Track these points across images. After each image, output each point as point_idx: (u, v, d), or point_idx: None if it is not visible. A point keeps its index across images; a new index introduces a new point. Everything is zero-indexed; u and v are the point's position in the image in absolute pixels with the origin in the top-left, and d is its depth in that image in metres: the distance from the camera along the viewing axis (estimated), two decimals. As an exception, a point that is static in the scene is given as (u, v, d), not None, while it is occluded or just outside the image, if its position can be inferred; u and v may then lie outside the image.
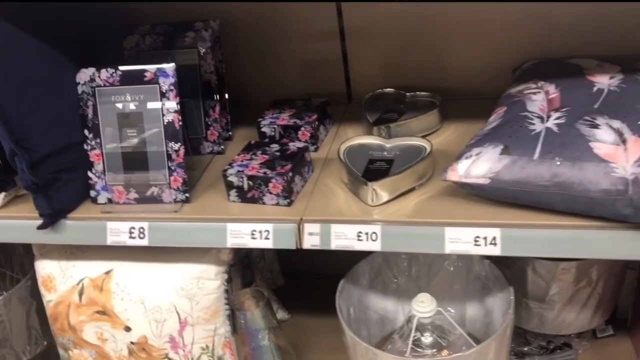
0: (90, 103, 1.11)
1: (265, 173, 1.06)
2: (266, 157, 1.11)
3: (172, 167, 1.11)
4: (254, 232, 1.05)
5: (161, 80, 1.08)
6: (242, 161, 1.11)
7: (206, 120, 1.25)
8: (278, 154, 1.12)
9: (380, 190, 1.01)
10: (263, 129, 1.24)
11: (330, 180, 1.12)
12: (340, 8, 1.31)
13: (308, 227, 1.02)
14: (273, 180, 1.05)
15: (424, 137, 1.15)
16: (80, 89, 1.12)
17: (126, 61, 1.26)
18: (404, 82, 1.34)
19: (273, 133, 1.23)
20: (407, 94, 1.28)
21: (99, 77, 1.11)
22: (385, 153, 1.10)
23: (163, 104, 1.09)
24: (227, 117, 1.29)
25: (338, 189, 1.10)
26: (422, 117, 1.19)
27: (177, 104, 1.08)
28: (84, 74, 1.11)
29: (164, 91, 1.08)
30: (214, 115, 1.25)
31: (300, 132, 1.21)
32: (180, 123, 1.09)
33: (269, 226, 1.04)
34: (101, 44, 1.20)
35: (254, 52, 1.40)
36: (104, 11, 1.23)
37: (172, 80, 1.08)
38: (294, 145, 1.14)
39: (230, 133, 1.32)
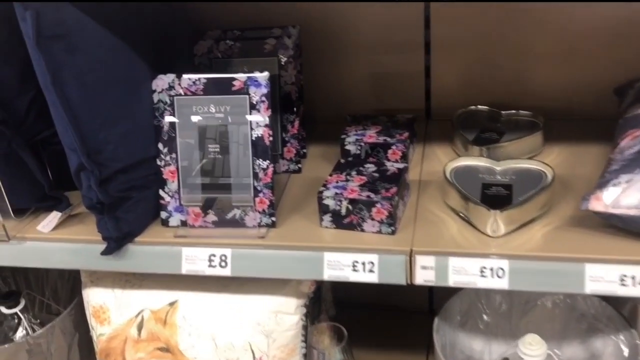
0: (167, 114, 0.99)
1: (368, 197, 0.94)
2: (364, 178, 1.00)
3: (259, 187, 0.99)
4: (355, 263, 0.93)
5: (252, 90, 0.97)
6: (337, 182, 0.99)
7: (283, 135, 1.14)
8: (377, 175, 1.00)
9: (502, 220, 0.90)
10: (347, 147, 1.12)
11: (433, 206, 1.01)
12: (429, 16, 1.21)
13: (420, 260, 0.91)
14: (378, 205, 0.93)
15: (528, 159, 1.05)
16: (156, 97, 0.99)
17: (197, 68, 1.14)
18: (487, 99, 1.24)
19: (359, 151, 1.12)
20: (503, 112, 1.18)
21: (179, 84, 0.98)
22: (498, 177, 0.99)
23: (252, 117, 0.97)
24: (303, 133, 1.18)
25: (445, 215, 0.98)
26: (526, 139, 1.09)
27: (269, 117, 0.97)
28: (162, 81, 0.99)
29: (255, 103, 0.97)
30: (293, 130, 1.14)
31: (390, 151, 1.10)
32: (271, 139, 0.98)
33: (374, 257, 0.92)
34: (169, 49, 1.08)
35: (323, 62, 1.29)
36: (173, 13, 1.12)
37: (264, 90, 0.96)
38: (392, 166, 1.02)
39: (305, 150, 1.20)
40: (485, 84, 1.25)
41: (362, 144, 1.11)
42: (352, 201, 0.94)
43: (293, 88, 1.12)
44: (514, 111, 1.17)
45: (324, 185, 0.98)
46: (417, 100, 1.30)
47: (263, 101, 0.96)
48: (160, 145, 1.00)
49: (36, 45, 0.80)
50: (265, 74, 0.96)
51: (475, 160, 1.03)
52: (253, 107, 0.97)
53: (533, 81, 1.23)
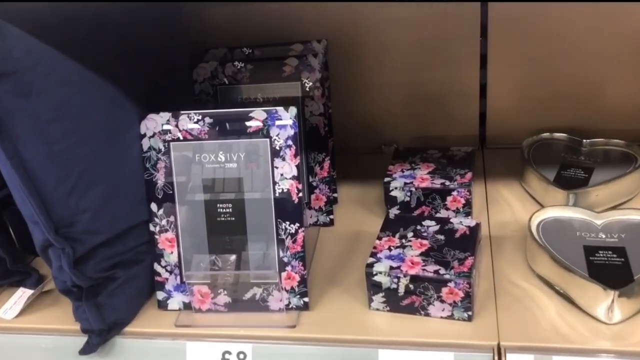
0: (161, 165, 0.75)
1: (437, 272, 0.71)
2: (425, 242, 0.76)
3: (286, 259, 0.75)
4: None
5: (274, 131, 0.73)
6: (389, 249, 0.76)
7: (310, 180, 0.90)
8: (441, 237, 0.77)
9: (621, 302, 0.67)
10: (393, 193, 0.89)
11: (515, 274, 0.77)
12: (487, 22, 0.98)
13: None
14: (450, 284, 0.70)
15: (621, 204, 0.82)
16: (146, 143, 0.75)
17: (198, 99, 0.91)
18: (557, 122, 1.01)
19: (408, 198, 0.88)
20: (584, 140, 0.94)
21: (176, 126, 0.75)
22: (602, 235, 0.75)
23: (276, 167, 0.74)
24: (334, 174, 0.95)
25: (534, 288, 0.74)
26: (624, 179, 0.84)
27: (297, 167, 0.74)
28: (153, 122, 0.75)
29: (278, 148, 0.73)
30: (322, 173, 0.90)
31: (450, 198, 0.86)
32: (300, 194, 0.74)
33: (449, 357, 0.69)
34: (163, 78, 0.84)
35: (352, 82, 1.06)
36: (166, 28, 0.88)
37: (290, 132, 0.72)
38: (459, 223, 0.79)
39: (335, 195, 0.97)
40: (554, 104, 1.02)
41: (413, 189, 0.87)
42: (414, 278, 0.71)
43: (321, 120, 0.89)
44: (599, 140, 0.93)
45: (374, 255, 0.75)
46: (470, 125, 1.05)
47: (289, 146, 0.73)
48: (153, 207, 0.76)
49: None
50: (292, 109, 0.72)
51: (567, 211, 0.79)
52: (276, 153, 0.73)
53: (613, 99, 1.00)
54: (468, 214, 0.86)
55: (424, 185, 0.86)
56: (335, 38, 0.98)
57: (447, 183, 0.86)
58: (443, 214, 0.86)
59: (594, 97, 1.00)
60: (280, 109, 0.72)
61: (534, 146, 0.94)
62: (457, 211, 0.86)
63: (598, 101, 1.00)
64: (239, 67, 0.89)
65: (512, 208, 0.89)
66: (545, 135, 0.95)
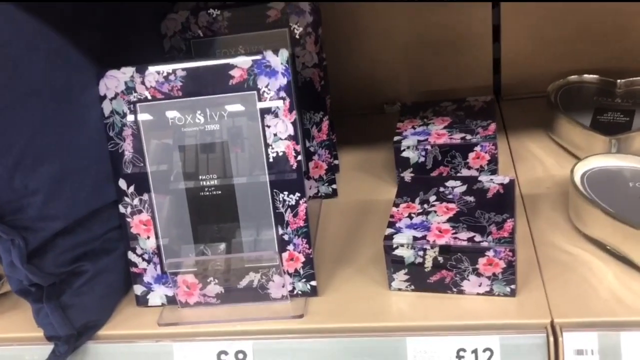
0: (127, 132, 0.62)
1: (472, 240, 0.59)
2: (452, 206, 0.64)
3: (287, 237, 0.63)
4: (461, 354, 0.58)
5: (262, 81, 0.60)
6: (410, 217, 0.64)
7: (307, 145, 0.78)
8: (471, 199, 0.65)
9: (698, 260, 0.56)
10: (405, 153, 0.76)
11: (559, 237, 0.65)
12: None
13: (571, 340, 0.56)
14: (489, 253, 0.58)
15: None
16: (107, 107, 0.62)
17: (169, 58, 0.77)
18: (580, 65, 0.89)
19: (423, 159, 0.76)
20: (618, 81, 0.82)
21: (142, 82, 0.62)
22: (661, 186, 0.64)
23: (267, 126, 0.61)
24: (333, 138, 0.82)
25: (584, 252, 0.62)
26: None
27: (294, 124, 0.61)
28: (114, 80, 0.61)
29: (269, 102, 0.61)
30: (321, 136, 0.77)
31: (472, 155, 0.74)
32: (299, 157, 0.62)
33: (492, 341, 0.57)
34: (124, 31, 0.70)
35: (346, 31, 0.92)
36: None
37: (283, 81, 0.59)
38: (489, 181, 0.67)
39: (337, 162, 0.84)
40: (577, 45, 0.89)
41: (429, 147, 0.75)
42: (444, 249, 0.59)
43: (316, 73, 0.75)
44: (636, 79, 0.81)
45: (392, 226, 0.62)
46: (482, 74, 0.92)
47: (282, 98, 0.60)
48: (121, 183, 0.63)
49: None
50: (283, 53, 0.59)
51: (613, 159, 0.67)
52: (267, 110, 0.61)
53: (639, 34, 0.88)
54: (494, 172, 0.74)
55: (441, 141, 0.74)
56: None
57: (469, 137, 0.73)
58: (465, 173, 0.74)
59: (620, 34, 0.88)
60: (268, 52, 0.59)
61: (561, 91, 0.81)
62: (481, 169, 0.73)
63: (626, 38, 0.88)
64: (214, 15, 0.75)
65: (542, 163, 0.77)
66: (573, 77, 0.82)
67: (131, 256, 0.64)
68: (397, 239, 0.59)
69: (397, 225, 0.61)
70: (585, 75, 0.83)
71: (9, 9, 0.51)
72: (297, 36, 0.74)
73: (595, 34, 0.88)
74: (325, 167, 0.78)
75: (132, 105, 0.61)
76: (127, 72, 0.61)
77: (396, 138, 0.76)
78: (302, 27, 0.73)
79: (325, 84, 0.78)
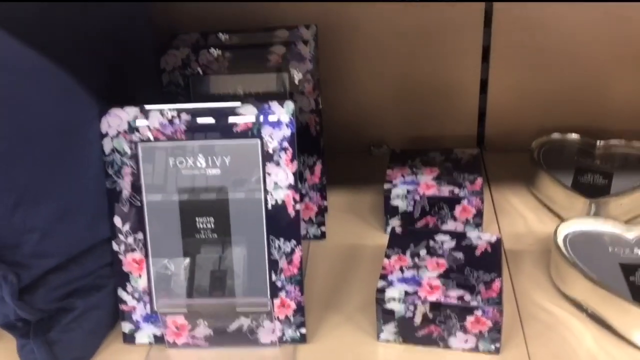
0: (127, 170, 0.62)
1: (462, 299, 0.61)
2: (442, 261, 0.66)
3: (279, 283, 0.63)
4: None
5: (266, 131, 0.61)
6: (401, 270, 0.65)
7: (299, 186, 0.79)
8: (460, 255, 0.66)
9: (672, 329, 0.59)
10: (394, 202, 0.78)
11: (540, 295, 0.67)
12: (492, 10, 0.88)
13: None
14: (477, 312, 0.60)
15: None
16: (108, 144, 0.62)
17: (167, 90, 0.77)
18: (553, 123, 0.93)
19: (411, 208, 0.78)
20: (598, 142, 0.86)
21: (146, 123, 0.62)
22: (638, 252, 0.66)
23: (268, 174, 0.62)
24: (324, 181, 0.83)
25: (565, 313, 0.64)
26: (649, 184, 0.78)
27: (295, 174, 0.62)
28: (117, 119, 0.62)
29: (272, 151, 0.61)
30: (313, 179, 0.78)
31: (459, 207, 0.77)
32: (298, 206, 0.63)
33: (477, 397, 0.59)
34: (126, 66, 0.70)
35: (338, 73, 0.94)
36: (129, 8, 0.75)
37: (287, 132, 0.60)
38: (477, 238, 0.69)
39: (325, 202, 0.86)
40: (560, 102, 0.93)
41: (417, 197, 0.77)
42: (434, 306, 0.61)
43: (312, 118, 0.77)
44: (613, 141, 0.85)
45: (384, 278, 0.64)
46: (468, 124, 0.96)
47: (285, 149, 0.61)
48: (117, 221, 0.63)
49: None
50: (289, 105, 0.60)
51: (593, 223, 0.70)
52: (269, 157, 0.61)
53: (622, 96, 0.92)
54: (478, 226, 0.76)
55: (430, 193, 0.76)
56: (320, 23, 0.87)
57: (456, 191, 0.76)
58: (450, 225, 0.76)
59: (601, 95, 0.92)
60: (273, 103, 0.60)
61: (544, 148, 0.85)
62: (466, 222, 0.76)
63: (606, 99, 0.91)
64: (215, 55, 0.76)
65: (524, 218, 0.80)
66: (556, 135, 0.86)
67: (121, 293, 0.64)
68: (390, 293, 0.61)
69: (389, 277, 0.63)
70: (568, 134, 0.86)
71: (18, 46, 0.51)
72: (296, 82, 0.75)
73: (578, 93, 0.91)
74: (315, 209, 0.79)
75: (133, 145, 0.61)
76: (131, 111, 0.61)
77: (386, 186, 0.78)
78: (302, 73, 0.75)
79: (320, 129, 0.79)
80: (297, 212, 0.61)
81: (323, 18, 0.87)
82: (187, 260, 0.62)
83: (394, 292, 0.61)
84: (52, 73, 0.54)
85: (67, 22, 0.57)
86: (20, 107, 0.52)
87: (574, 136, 0.86)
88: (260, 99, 0.74)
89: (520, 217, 0.80)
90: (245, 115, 0.60)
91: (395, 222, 0.78)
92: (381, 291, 0.61)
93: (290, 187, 0.61)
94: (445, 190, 0.76)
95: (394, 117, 0.98)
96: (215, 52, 0.76)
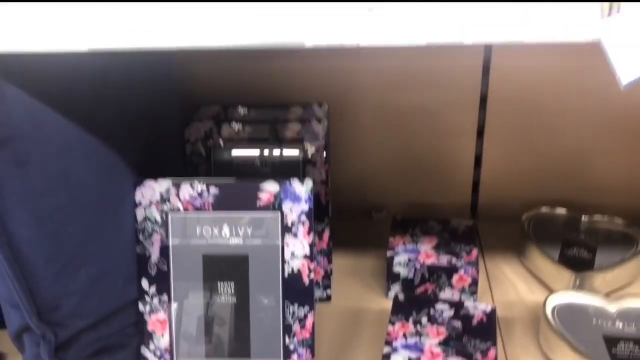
0: (157, 237, 0.68)
1: (460, 365, 0.66)
2: (441, 329, 0.71)
3: (292, 346, 0.69)
4: None
5: (287, 205, 0.67)
6: (405, 336, 0.71)
7: (308, 251, 0.85)
8: (458, 324, 0.72)
9: (651, 399, 0.64)
10: (396, 268, 0.84)
11: (531, 364, 0.74)
12: (487, 94, 0.97)
13: None
14: (474, 379, 0.65)
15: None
16: (141, 213, 0.68)
17: (189, 160, 0.84)
18: (541, 195, 1.00)
19: (412, 275, 0.84)
20: (582, 216, 0.93)
21: (176, 194, 0.68)
22: (619, 325, 0.72)
23: (286, 244, 0.68)
24: (330, 246, 0.89)
25: (553, 382, 0.71)
26: (629, 264, 0.83)
27: (311, 245, 0.68)
28: (151, 190, 0.68)
29: (290, 224, 0.68)
30: (321, 245, 0.84)
31: (456, 276, 0.83)
32: (312, 275, 0.68)
33: None
34: (155, 139, 0.76)
35: (343, 142, 1.01)
36: (159, 84, 0.81)
37: (305, 207, 0.67)
38: (474, 308, 0.75)
39: (331, 266, 0.91)
40: (548, 177, 1.01)
41: (418, 265, 0.83)
42: (435, 371, 0.66)
43: (322, 188, 0.84)
44: (597, 216, 0.93)
45: (389, 344, 0.69)
46: (462, 194, 1.03)
47: (303, 222, 0.67)
48: (144, 284, 0.68)
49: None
50: (308, 182, 0.67)
51: (578, 296, 0.76)
52: (288, 229, 0.67)
53: (606, 174, 1.00)
54: (473, 293, 0.82)
55: (430, 262, 0.82)
56: (329, 98, 0.94)
57: (454, 261, 0.82)
58: (447, 292, 0.82)
59: (586, 172, 1.00)
60: (294, 181, 0.67)
61: (533, 220, 0.92)
62: (462, 290, 0.82)
63: (591, 176, 0.99)
64: (236, 128, 0.83)
65: (515, 287, 0.86)
66: (545, 209, 0.93)
67: (144, 351, 0.69)
68: (394, 358, 0.66)
69: (394, 344, 0.68)
70: (556, 209, 0.93)
71: (74, 127, 0.57)
72: (309, 155, 0.80)
73: (565, 169, 0.99)
74: (322, 273, 0.85)
75: (164, 214, 0.67)
76: (164, 184, 0.67)
77: (389, 253, 0.84)
78: (315, 148, 0.81)
79: (329, 198, 0.85)
80: (312, 280, 0.67)
81: (331, 94, 0.95)
82: (208, 321, 0.68)
83: (399, 358, 0.66)
84: (99, 150, 0.60)
85: (112, 101, 0.64)
86: (71, 182, 0.57)
87: (561, 210, 0.93)
88: (276, 169, 0.81)
89: (512, 286, 0.87)
90: (268, 191, 0.67)
91: (396, 288, 0.84)
92: (387, 357, 0.66)
93: (306, 257, 0.67)
94: (444, 260, 0.82)
95: (394, 184, 1.04)
96: (236, 125, 0.83)
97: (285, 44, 0.42)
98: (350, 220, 1.04)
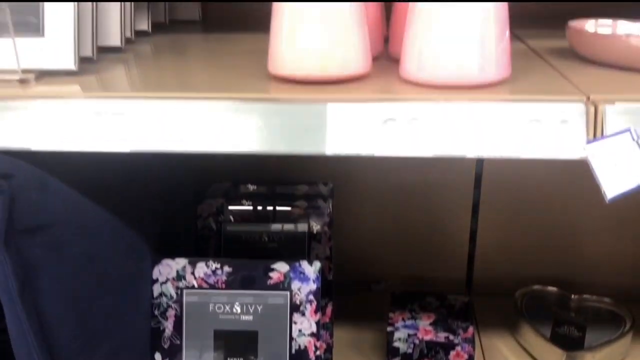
0: (171, 312, 0.71)
1: None
2: (439, 406, 0.75)
3: (297, 421, 0.72)
4: None
5: (295, 285, 0.71)
6: None
7: (311, 325, 0.88)
8: (454, 400, 0.76)
9: None
10: (396, 344, 0.87)
11: None
12: (481, 174, 1.03)
13: None
14: None
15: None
16: (157, 289, 0.72)
17: (200, 235, 0.88)
18: (534, 272, 1.05)
19: (411, 350, 0.87)
20: (572, 296, 0.97)
21: (192, 272, 0.72)
22: (609, 405, 0.77)
23: (294, 322, 0.71)
24: (333, 319, 0.93)
25: None
26: (617, 343, 0.87)
27: (318, 323, 0.71)
28: (168, 268, 0.72)
29: (299, 303, 0.71)
30: (324, 319, 0.88)
31: (453, 353, 0.86)
32: (318, 353, 0.72)
33: None
34: (170, 216, 0.81)
35: (343, 216, 1.06)
36: (174, 166, 0.86)
37: (313, 287, 0.71)
38: (470, 384, 0.78)
39: (332, 339, 0.94)
40: (540, 255, 1.05)
41: (417, 341, 0.86)
42: None
43: (327, 264, 0.88)
44: (587, 296, 0.97)
45: None
46: (458, 269, 1.07)
47: (310, 301, 0.71)
48: (157, 356, 0.71)
49: (1, 245, 0.52)
50: (317, 264, 0.71)
51: (571, 376, 0.80)
52: (296, 308, 0.71)
53: (595, 253, 1.05)
54: (470, 370, 0.86)
55: (428, 338, 0.85)
56: (333, 178, 1.00)
57: (451, 337, 0.85)
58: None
59: (576, 251, 1.05)
60: (304, 262, 0.71)
61: (526, 298, 0.95)
62: (460, 365, 0.85)
63: (581, 254, 1.04)
64: (245, 205, 0.88)
65: (509, 363, 0.90)
66: (537, 287, 0.97)
67: None
68: None
69: None
70: (547, 287, 0.98)
71: (106, 216, 0.62)
72: (314, 232, 0.86)
73: (557, 247, 1.04)
74: (324, 347, 0.88)
75: (179, 291, 0.71)
76: (180, 262, 0.71)
77: (389, 329, 0.87)
78: (320, 225, 0.86)
79: (333, 274, 0.89)
80: (317, 357, 0.70)
81: (337, 173, 1.00)
82: (216, 395, 0.71)
83: None
84: (124, 232, 0.65)
85: (136, 187, 0.68)
86: (98, 263, 0.61)
87: (553, 289, 0.97)
88: (282, 245, 0.85)
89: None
90: (279, 271, 0.71)
91: (397, 365, 0.87)
92: None
93: (312, 334, 0.71)
94: (442, 336, 0.86)
95: (392, 258, 1.08)
96: (246, 202, 0.88)
97: (308, 152, 0.48)
98: (350, 292, 1.07)
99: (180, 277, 0.71)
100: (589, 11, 0.73)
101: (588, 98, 0.48)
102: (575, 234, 1.05)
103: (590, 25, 0.63)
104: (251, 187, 0.92)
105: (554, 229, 1.05)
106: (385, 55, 0.64)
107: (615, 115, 0.47)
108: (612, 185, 0.45)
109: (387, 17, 0.69)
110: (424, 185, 1.03)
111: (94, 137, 0.50)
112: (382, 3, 0.67)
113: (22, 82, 0.55)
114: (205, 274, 0.71)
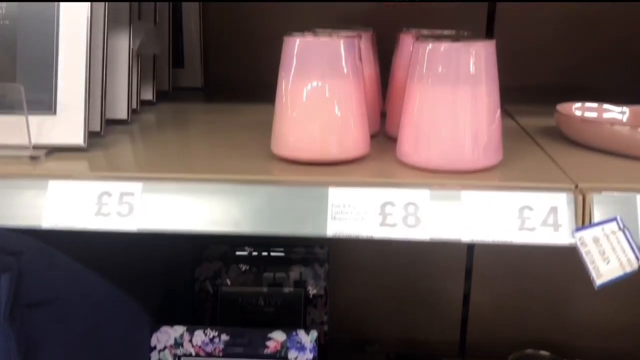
0: (168, 380, 0.72)
1: None
2: None
3: None
4: None
5: (292, 354, 0.72)
6: None
7: (306, 390, 0.88)
8: None
9: None
10: (390, 410, 0.88)
11: None
12: (473, 250, 1.05)
13: None
14: None
15: None
16: (155, 356, 0.72)
17: (197, 297, 0.89)
18: (525, 336, 1.06)
19: (405, 417, 0.88)
20: (565, 361, 0.98)
21: (190, 340, 0.73)
22: None
23: (290, 392, 0.72)
24: (326, 382, 0.93)
25: None
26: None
27: (314, 393, 0.72)
28: (166, 336, 0.73)
29: (295, 372, 0.72)
30: (319, 383, 0.89)
31: (447, 420, 0.87)
32: (313, 423, 0.72)
33: None
34: (168, 279, 0.82)
35: (341, 279, 1.08)
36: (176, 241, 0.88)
37: (310, 355, 0.72)
38: None
39: (326, 403, 0.94)
40: (531, 319, 1.07)
41: (411, 408, 0.87)
42: None
43: (321, 328, 0.89)
44: (578, 361, 0.98)
45: None
46: (451, 332, 1.08)
47: (307, 371, 0.72)
48: None
49: (6, 319, 0.53)
50: (313, 333, 0.72)
51: None
52: (292, 377, 0.72)
53: (585, 319, 1.06)
54: None
55: (422, 404, 0.86)
56: (327, 238, 1.01)
57: (445, 404, 0.86)
58: None
59: (568, 315, 1.06)
60: (301, 332, 0.72)
61: (517, 362, 0.97)
62: None
63: (572, 319, 1.06)
64: (243, 269, 0.89)
65: None
66: (530, 351, 0.98)
67: None
68: None
69: None
70: (540, 351, 0.98)
71: (109, 287, 0.63)
72: (310, 296, 0.87)
73: (549, 313, 1.05)
74: (318, 412, 0.88)
75: (177, 359, 0.71)
76: (179, 330, 0.72)
77: (384, 395, 0.88)
78: (316, 289, 0.87)
79: (328, 338, 0.90)
80: None
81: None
82: None
83: None
84: (125, 302, 0.66)
85: (137, 259, 0.70)
86: (100, 333, 0.62)
87: (545, 353, 0.98)
88: (279, 309, 0.86)
89: None
90: (276, 339, 0.71)
91: None
92: None
93: (308, 404, 0.71)
94: (435, 403, 0.86)
95: (387, 320, 1.09)
96: (243, 267, 0.89)
97: (310, 234, 0.49)
98: (344, 353, 1.07)
99: (178, 344, 0.72)
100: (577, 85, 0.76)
101: (576, 186, 0.50)
102: (567, 299, 1.06)
103: (577, 109, 0.66)
104: (248, 250, 0.93)
105: (547, 294, 1.06)
106: (382, 133, 0.67)
107: (602, 204, 0.49)
108: (601, 273, 0.47)
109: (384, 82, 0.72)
110: (418, 250, 1.05)
111: (101, 215, 0.51)
112: (379, 80, 0.70)
113: (33, 158, 0.57)
114: (203, 342, 0.72)
